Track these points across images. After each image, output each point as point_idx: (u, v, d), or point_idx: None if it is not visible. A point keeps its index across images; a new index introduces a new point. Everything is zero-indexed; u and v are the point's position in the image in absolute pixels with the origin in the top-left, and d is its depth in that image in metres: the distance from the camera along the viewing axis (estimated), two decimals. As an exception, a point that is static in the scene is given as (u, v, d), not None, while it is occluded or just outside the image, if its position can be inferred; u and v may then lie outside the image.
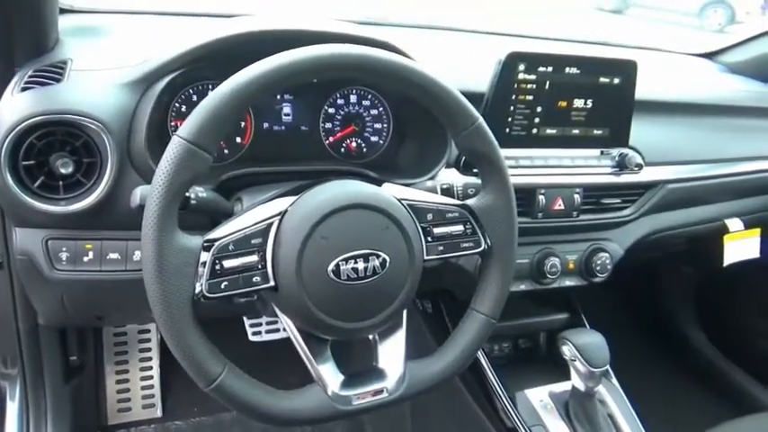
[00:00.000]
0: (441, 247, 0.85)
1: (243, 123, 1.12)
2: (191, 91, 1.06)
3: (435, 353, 0.88)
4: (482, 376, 1.28)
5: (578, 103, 1.17)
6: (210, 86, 1.07)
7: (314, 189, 0.80)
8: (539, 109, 1.15)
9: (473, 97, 1.13)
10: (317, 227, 0.75)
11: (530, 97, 1.14)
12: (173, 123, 1.05)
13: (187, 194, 0.81)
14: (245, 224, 0.75)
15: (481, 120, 0.83)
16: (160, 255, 0.69)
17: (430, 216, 0.84)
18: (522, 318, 1.39)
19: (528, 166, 1.17)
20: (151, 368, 1.61)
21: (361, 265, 0.77)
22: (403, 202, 0.83)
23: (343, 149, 1.20)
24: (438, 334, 1.47)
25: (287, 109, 1.15)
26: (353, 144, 1.20)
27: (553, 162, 1.19)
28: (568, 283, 1.27)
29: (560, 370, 1.28)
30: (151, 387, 1.60)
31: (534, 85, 1.13)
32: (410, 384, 0.84)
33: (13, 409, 1.27)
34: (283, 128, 1.15)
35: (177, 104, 1.05)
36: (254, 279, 0.75)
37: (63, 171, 0.87)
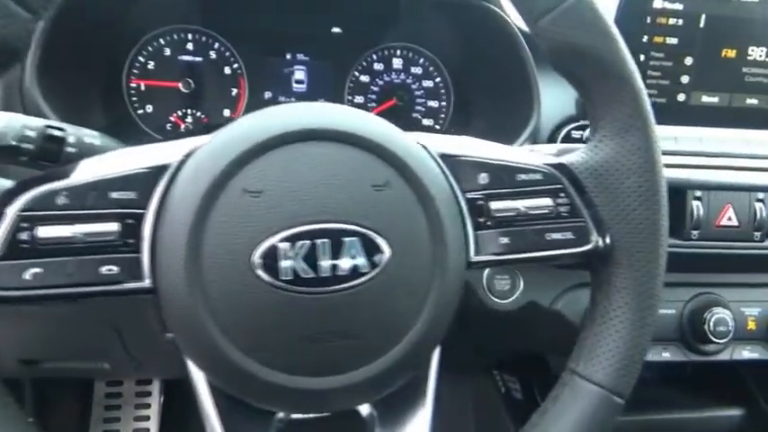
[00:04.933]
0: (505, 239, 0.42)
1: (234, 90, 0.78)
2: None
3: None
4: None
5: (756, 52, 0.72)
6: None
7: (253, 113, 0.42)
8: (689, 61, 0.71)
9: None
10: (236, 170, 0.37)
11: (673, 40, 0.70)
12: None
13: (60, 133, 0.47)
14: (103, 167, 0.39)
15: None
16: None
17: (484, 178, 0.43)
18: (663, 411, 0.88)
19: (671, 152, 0.72)
20: (149, 441, 1.25)
21: (324, 255, 0.36)
22: (430, 149, 0.43)
23: (380, 134, 0.82)
24: None
25: (300, 74, 0.80)
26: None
27: (715, 148, 0.73)
28: (748, 354, 0.76)
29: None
30: (146, 469, 1.23)
31: (681, 20, 0.70)
32: None
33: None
34: (293, 100, 0.81)
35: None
36: (103, 269, 0.37)
37: None
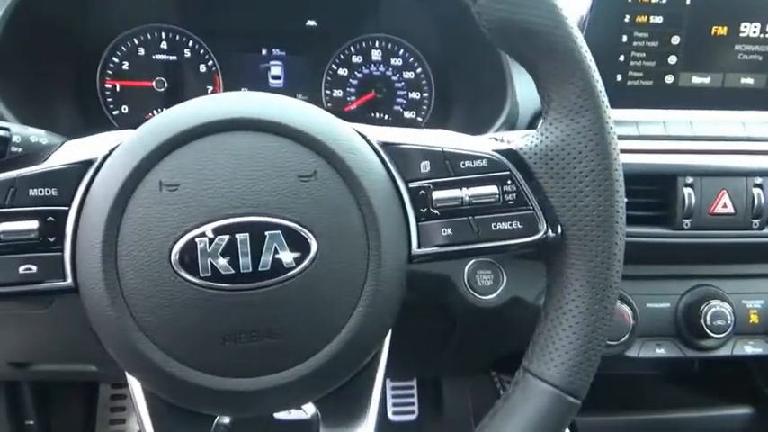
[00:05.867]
0: (448, 230, 0.40)
1: (210, 88, 0.78)
2: None
3: None
4: None
5: (749, 28, 0.68)
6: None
7: (179, 104, 0.41)
8: (676, 40, 0.68)
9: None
10: (153, 163, 0.36)
11: (657, 19, 0.67)
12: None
13: (4, 132, 0.47)
14: (28, 164, 0.38)
15: None
16: None
17: (426, 166, 0.40)
18: (669, 410, 0.84)
19: (659, 137, 0.68)
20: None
21: (244, 250, 0.35)
22: (370, 137, 0.40)
23: (360, 128, 0.80)
24: None
25: (276, 69, 0.79)
26: (377, 120, 0.81)
27: (707, 131, 0.69)
28: (751, 350, 0.72)
29: None
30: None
31: (665, -3, 0.66)
32: None
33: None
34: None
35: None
36: (21, 268, 0.36)
37: None
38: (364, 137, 0.40)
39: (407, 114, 0.81)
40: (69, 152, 0.39)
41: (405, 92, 0.81)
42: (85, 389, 1.21)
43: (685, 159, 0.67)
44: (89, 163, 0.38)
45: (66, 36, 0.68)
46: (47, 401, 1.07)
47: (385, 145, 0.40)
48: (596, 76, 0.40)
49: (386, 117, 0.80)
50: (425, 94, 0.81)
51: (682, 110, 0.69)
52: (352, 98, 0.80)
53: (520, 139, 0.42)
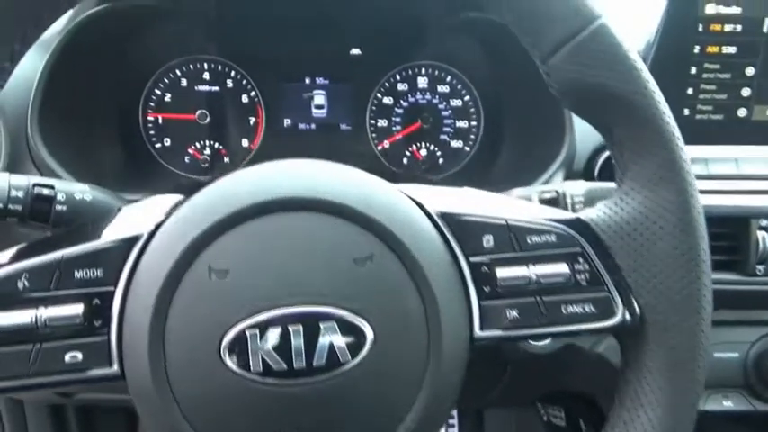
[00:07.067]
0: (514, 312, 0.37)
1: (252, 119, 0.76)
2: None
3: None
4: None
5: (834, 58, 0.62)
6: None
7: (227, 177, 0.38)
8: (750, 71, 0.63)
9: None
10: (201, 248, 0.34)
11: (731, 49, 0.62)
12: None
13: (48, 191, 0.45)
14: (72, 242, 0.36)
15: (605, 20, 0.36)
16: None
17: (488, 241, 0.37)
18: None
19: (731, 176, 0.63)
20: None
21: (297, 343, 0.32)
22: (428, 207, 0.37)
23: (405, 159, 0.78)
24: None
25: (320, 99, 0.77)
26: (423, 151, 0.78)
27: (785, 170, 0.64)
28: (828, 404, 0.66)
29: None
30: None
31: (739, 26, 0.61)
32: None
33: None
34: (314, 126, 0.77)
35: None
36: (67, 356, 0.34)
37: None
38: (421, 206, 0.37)
39: (454, 144, 0.78)
40: (116, 227, 0.37)
41: (452, 120, 0.77)
42: (127, 409, 1.22)
43: (760, 200, 0.62)
44: (134, 240, 0.36)
45: (110, 71, 0.67)
46: (90, 422, 1.08)
47: (444, 216, 0.37)
48: (680, 144, 0.36)
49: (432, 147, 0.77)
50: (473, 123, 0.77)
51: (756, 146, 0.64)
52: (398, 128, 0.77)
53: (592, 210, 0.38)
